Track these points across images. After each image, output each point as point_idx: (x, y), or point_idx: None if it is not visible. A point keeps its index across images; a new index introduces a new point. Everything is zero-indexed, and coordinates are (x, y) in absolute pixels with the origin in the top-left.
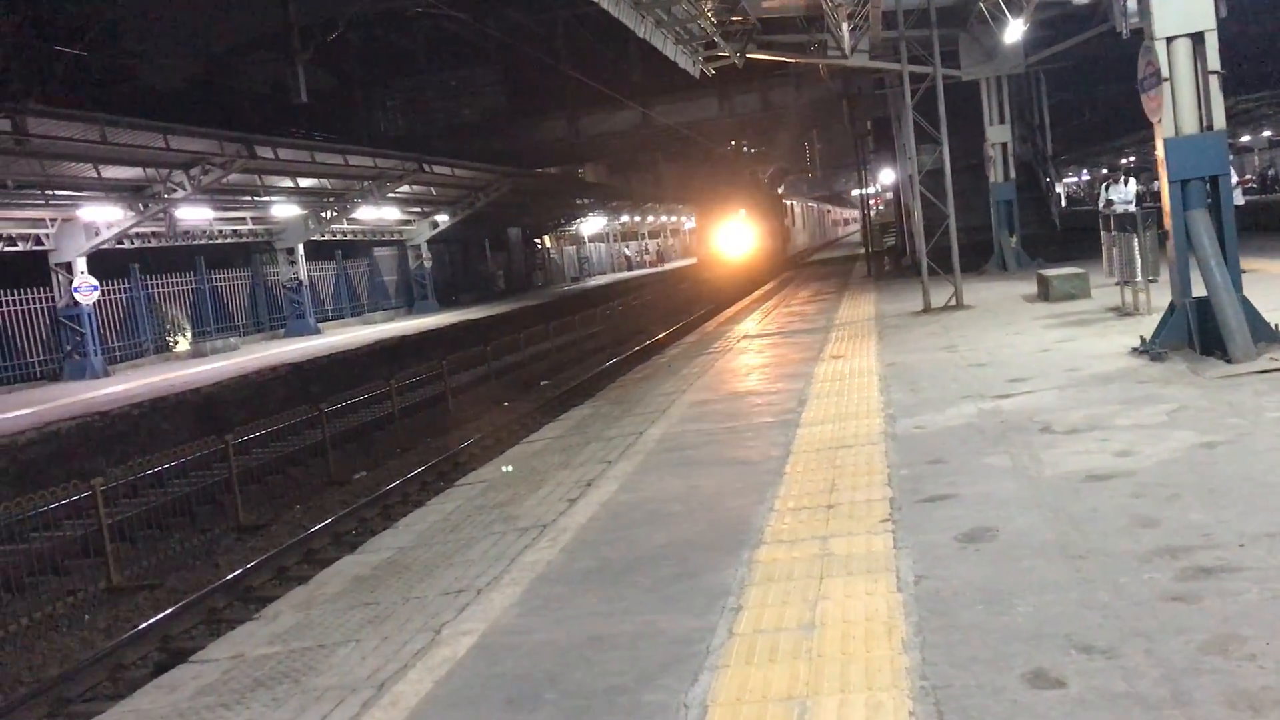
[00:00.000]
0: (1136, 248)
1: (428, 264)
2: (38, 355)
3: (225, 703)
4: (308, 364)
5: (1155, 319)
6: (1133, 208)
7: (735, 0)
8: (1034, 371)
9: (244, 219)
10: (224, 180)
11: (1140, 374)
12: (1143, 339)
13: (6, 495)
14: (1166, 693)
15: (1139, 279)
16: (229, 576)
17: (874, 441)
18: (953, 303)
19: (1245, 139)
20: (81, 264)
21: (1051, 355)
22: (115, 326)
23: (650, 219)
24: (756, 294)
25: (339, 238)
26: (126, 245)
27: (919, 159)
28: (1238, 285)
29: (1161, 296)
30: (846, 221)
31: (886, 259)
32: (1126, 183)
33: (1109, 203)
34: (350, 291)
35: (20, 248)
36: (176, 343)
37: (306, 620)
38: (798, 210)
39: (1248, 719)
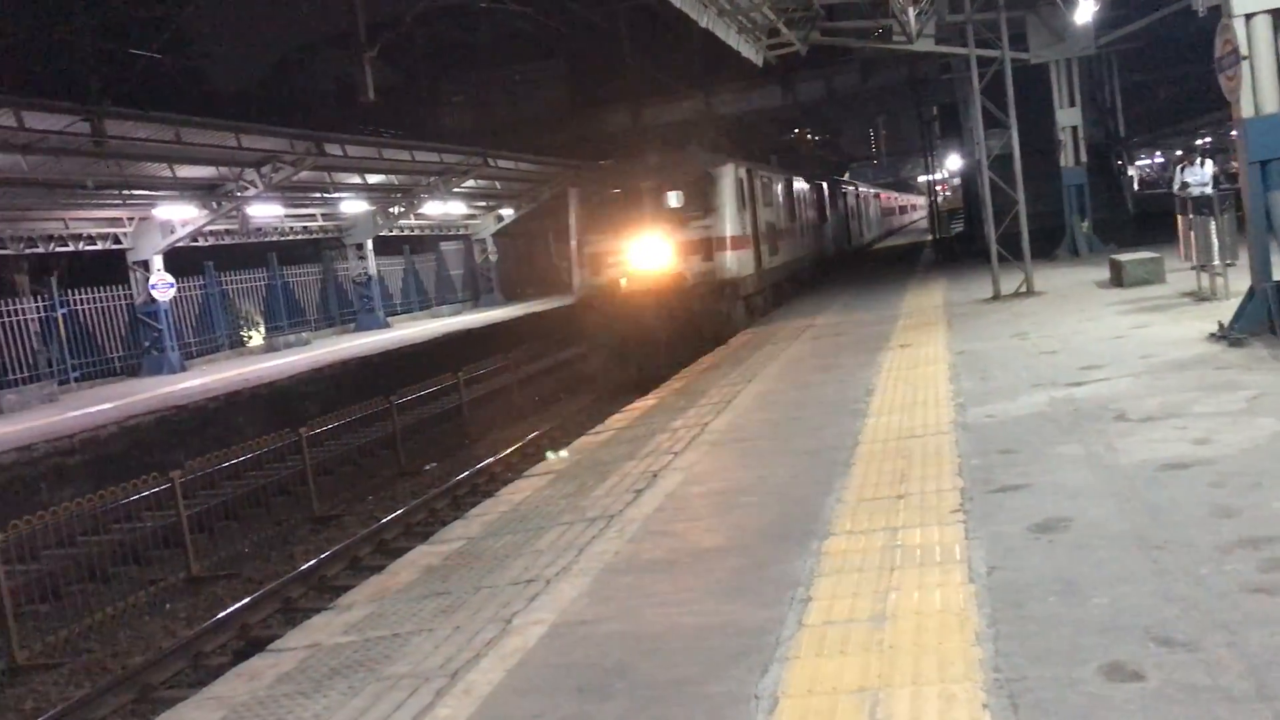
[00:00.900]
0: (1214, 231)
1: (493, 258)
2: (117, 351)
3: (304, 690)
4: (377, 357)
5: (1233, 304)
6: (1209, 190)
7: None
8: (1107, 358)
9: (314, 215)
10: (294, 178)
11: (1218, 360)
12: (1220, 324)
13: (90, 488)
14: (1251, 687)
15: (1216, 263)
16: (304, 567)
17: (944, 431)
18: (1023, 289)
19: None
20: (158, 261)
21: (1125, 342)
22: (191, 322)
23: None
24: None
25: (406, 233)
26: (201, 243)
27: (987, 144)
28: None
29: (1240, 281)
30: (904, 209)
31: (955, 245)
32: (1203, 164)
33: (1184, 185)
34: (418, 286)
35: (99, 246)
36: (250, 338)
37: (380, 610)
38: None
39: None
